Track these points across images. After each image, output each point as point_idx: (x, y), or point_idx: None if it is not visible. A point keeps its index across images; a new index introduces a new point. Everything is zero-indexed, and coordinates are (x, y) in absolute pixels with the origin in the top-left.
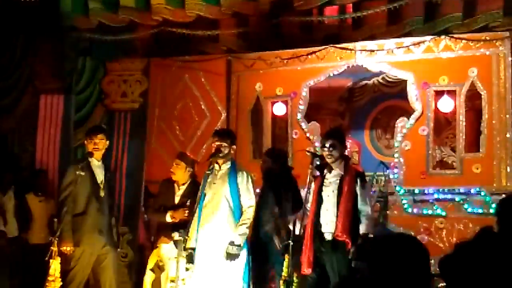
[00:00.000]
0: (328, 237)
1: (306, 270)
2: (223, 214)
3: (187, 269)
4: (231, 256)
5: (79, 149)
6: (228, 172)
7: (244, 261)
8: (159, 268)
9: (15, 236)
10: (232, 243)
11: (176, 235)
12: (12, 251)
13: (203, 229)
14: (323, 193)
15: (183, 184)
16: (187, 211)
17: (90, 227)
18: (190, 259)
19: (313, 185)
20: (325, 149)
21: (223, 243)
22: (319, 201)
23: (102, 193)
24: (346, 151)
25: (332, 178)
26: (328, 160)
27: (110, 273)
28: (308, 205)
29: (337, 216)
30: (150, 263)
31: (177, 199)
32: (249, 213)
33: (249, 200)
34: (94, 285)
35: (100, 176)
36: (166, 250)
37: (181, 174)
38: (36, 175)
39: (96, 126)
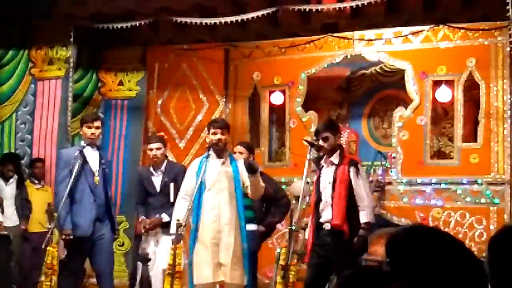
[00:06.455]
0: (327, 227)
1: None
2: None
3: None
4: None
5: (76, 138)
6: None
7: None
8: None
9: (16, 225)
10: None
11: (165, 217)
12: (11, 239)
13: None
14: (321, 185)
15: (161, 165)
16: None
17: (85, 215)
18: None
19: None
20: (319, 142)
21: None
22: (318, 192)
23: (97, 181)
24: (340, 141)
25: (328, 169)
26: (322, 152)
27: (107, 261)
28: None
29: (332, 205)
30: None
31: (157, 181)
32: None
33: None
34: (90, 274)
35: (95, 164)
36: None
37: (162, 157)
38: (33, 164)
39: (93, 113)
